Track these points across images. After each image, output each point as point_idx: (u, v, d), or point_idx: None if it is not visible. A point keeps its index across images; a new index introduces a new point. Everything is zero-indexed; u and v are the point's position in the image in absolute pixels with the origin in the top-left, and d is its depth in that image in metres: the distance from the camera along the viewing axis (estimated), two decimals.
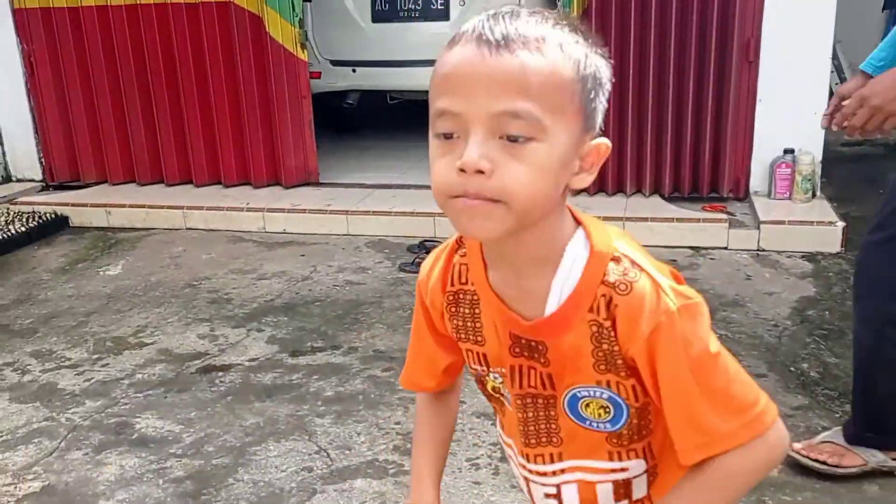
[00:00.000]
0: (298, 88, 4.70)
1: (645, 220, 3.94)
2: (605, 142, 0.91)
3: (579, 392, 0.95)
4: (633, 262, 0.88)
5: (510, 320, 0.94)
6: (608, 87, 0.90)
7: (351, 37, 5.55)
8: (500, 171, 0.80)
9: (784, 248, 3.75)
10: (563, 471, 1.02)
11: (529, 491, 1.09)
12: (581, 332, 0.90)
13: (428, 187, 3.86)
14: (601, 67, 0.88)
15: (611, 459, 0.98)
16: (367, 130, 6.38)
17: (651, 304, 0.85)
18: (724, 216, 3.92)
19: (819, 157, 4.04)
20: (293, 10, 4.56)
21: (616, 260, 0.88)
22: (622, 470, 0.99)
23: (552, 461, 1.02)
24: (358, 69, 5.60)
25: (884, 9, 6.49)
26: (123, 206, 4.67)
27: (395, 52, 5.41)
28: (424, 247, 3.94)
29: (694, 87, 4.08)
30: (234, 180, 4.91)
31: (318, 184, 4.88)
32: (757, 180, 4.14)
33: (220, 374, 2.87)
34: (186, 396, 2.71)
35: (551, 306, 0.91)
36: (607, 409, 0.94)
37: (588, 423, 0.96)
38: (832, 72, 6.02)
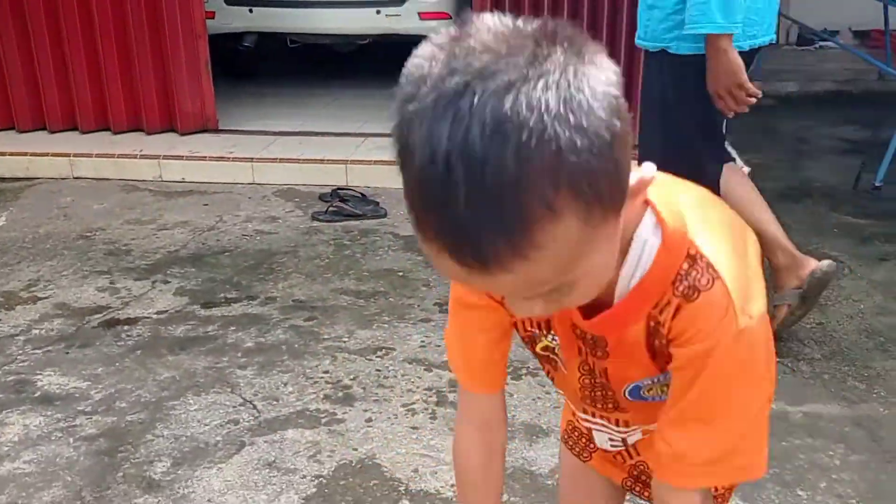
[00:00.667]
0: (193, 26, 4.39)
1: None
2: (645, 177, 0.70)
3: (639, 384, 0.90)
4: (708, 265, 0.77)
5: (567, 314, 0.85)
6: (626, 115, 0.62)
7: None
8: (558, 305, 0.69)
9: None
10: (627, 427, 0.99)
11: (589, 434, 1.05)
12: (639, 328, 0.82)
13: (336, 134, 3.72)
14: (614, 128, 0.59)
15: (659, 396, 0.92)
16: (265, 76, 6.07)
17: (715, 321, 0.77)
18: None
19: None
20: None
21: (691, 259, 0.77)
22: None
23: (618, 425, 0.99)
24: (255, 9, 5.29)
25: None
26: (3, 154, 4.26)
27: None
28: (338, 194, 3.78)
29: (607, 31, 4.07)
30: (125, 127, 4.57)
31: (216, 130, 4.61)
32: None
33: (126, 327, 2.66)
34: (90, 352, 2.50)
35: (618, 297, 0.80)
36: (660, 379, 0.88)
37: (652, 399, 0.91)
38: None
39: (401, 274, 3.03)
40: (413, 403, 2.20)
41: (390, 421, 2.12)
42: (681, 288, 0.78)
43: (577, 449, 1.13)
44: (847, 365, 2.37)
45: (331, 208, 3.67)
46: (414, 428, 2.09)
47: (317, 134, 4.51)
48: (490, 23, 0.61)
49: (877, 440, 2.03)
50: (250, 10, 5.30)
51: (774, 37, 2.37)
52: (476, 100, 0.56)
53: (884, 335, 2.55)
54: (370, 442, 2.04)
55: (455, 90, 0.57)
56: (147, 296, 2.90)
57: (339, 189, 3.83)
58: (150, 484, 1.89)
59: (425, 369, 2.37)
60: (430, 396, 2.23)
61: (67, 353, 2.49)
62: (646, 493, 1.08)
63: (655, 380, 0.88)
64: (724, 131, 2.38)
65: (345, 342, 2.54)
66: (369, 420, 2.13)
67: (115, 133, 4.54)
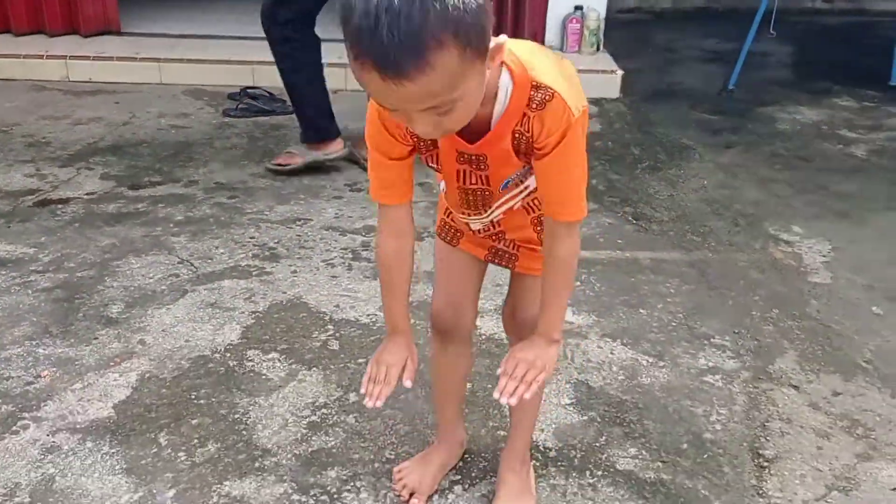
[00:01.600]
0: None
1: None
2: (499, 41, 1.08)
3: (509, 179, 1.32)
4: (546, 87, 1.16)
5: (457, 142, 1.25)
6: (485, 6, 1.00)
7: None
8: (444, 126, 1.09)
9: None
10: (490, 213, 1.41)
11: (469, 226, 1.47)
12: (507, 140, 1.22)
13: (241, 37, 4.08)
14: (473, 12, 0.97)
15: (517, 186, 1.34)
16: None
17: (562, 116, 1.17)
18: None
19: (603, 14, 4.55)
20: None
21: (535, 87, 1.16)
22: (525, 187, 1.35)
23: (485, 213, 1.41)
24: None
25: None
26: None
27: None
28: (246, 93, 4.01)
29: None
30: (25, 28, 4.59)
31: (119, 33, 4.70)
32: (551, 34, 4.61)
33: (60, 206, 2.89)
34: (31, 225, 2.73)
35: (493, 126, 1.20)
36: (520, 173, 1.31)
37: (514, 184, 1.34)
38: None
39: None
40: (332, 259, 2.58)
41: (313, 272, 2.49)
42: (534, 105, 1.19)
43: (448, 237, 1.53)
44: (688, 224, 2.90)
45: (241, 105, 3.91)
46: (333, 277, 2.47)
47: (221, 37, 4.67)
48: None
49: (704, 275, 2.56)
50: None
51: None
52: (393, 43, 0.93)
53: (719, 203, 3.09)
54: (297, 287, 2.40)
55: (378, 47, 0.94)
56: (74, 180, 3.11)
57: (247, 88, 4.06)
58: (108, 320, 2.20)
59: (340, 234, 2.74)
60: (346, 254, 2.61)
61: (9, 226, 2.72)
62: (501, 263, 1.50)
63: (518, 173, 1.30)
64: None
65: (266, 215, 2.87)
66: (294, 272, 2.49)
67: (18, 35, 4.55)
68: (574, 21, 4.49)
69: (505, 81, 1.18)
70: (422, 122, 1.07)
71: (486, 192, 1.35)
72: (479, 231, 1.47)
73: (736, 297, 2.44)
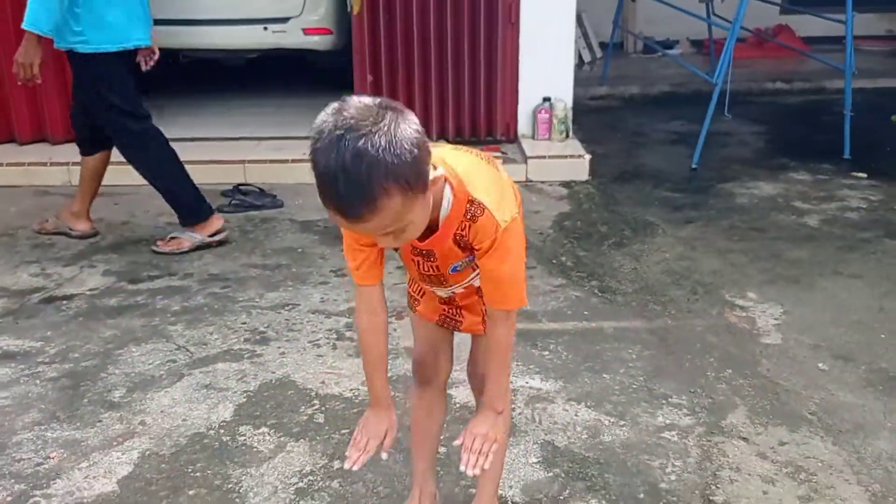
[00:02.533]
0: None
1: None
2: (438, 174, 1.35)
3: (456, 265, 1.57)
4: (479, 203, 1.42)
5: (409, 244, 1.51)
6: (425, 145, 1.27)
7: None
8: (401, 239, 1.36)
9: (546, 178, 4.56)
10: (450, 286, 1.66)
11: (436, 293, 1.71)
12: (451, 240, 1.48)
13: (232, 139, 4.45)
14: (414, 153, 1.23)
15: (468, 268, 1.59)
16: (159, 90, 6.44)
17: (490, 228, 1.43)
18: (499, 155, 4.66)
19: (570, 104, 4.89)
20: None
21: (470, 202, 1.42)
22: (472, 278, 1.61)
23: (445, 287, 1.66)
24: None
25: None
26: None
27: (187, 11, 5.57)
28: (239, 189, 4.29)
29: (469, 45, 4.76)
30: (29, 137, 4.89)
31: None
32: (523, 124, 4.94)
33: (65, 302, 3.10)
34: (37, 321, 2.93)
35: (440, 228, 1.47)
36: (467, 261, 1.56)
37: (462, 270, 1.59)
38: (578, 37, 7.07)
39: (300, 250, 3.59)
40: (318, 340, 2.77)
41: (300, 353, 2.69)
42: (468, 216, 1.45)
43: (410, 304, 1.78)
44: (650, 295, 3.12)
45: (233, 201, 4.17)
46: (319, 356, 2.67)
47: (213, 139, 4.99)
48: (355, 101, 1.26)
49: (664, 341, 2.76)
50: None
51: (148, 42, 3.64)
52: (347, 143, 1.20)
53: (679, 273, 3.32)
54: (285, 367, 2.59)
55: (337, 136, 1.21)
56: (78, 277, 3.33)
57: (240, 185, 4.34)
58: (111, 404, 2.38)
59: (326, 317, 2.95)
60: (332, 335, 2.81)
61: (17, 323, 2.92)
62: (449, 326, 1.75)
63: (463, 261, 1.56)
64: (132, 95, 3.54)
65: (257, 302, 3.08)
66: (283, 353, 2.69)
67: (22, 144, 4.86)
68: (543, 111, 4.83)
69: (447, 193, 1.44)
70: (383, 240, 1.37)
71: (440, 275, 1.61)
72: (443, 298, 1.69)
73: (692, 360, 2.63)
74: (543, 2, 4.72)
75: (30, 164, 4.58)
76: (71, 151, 4.74)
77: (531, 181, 4.56)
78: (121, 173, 4.52)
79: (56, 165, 4.58)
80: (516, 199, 1.53)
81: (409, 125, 1.25)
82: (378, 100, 1.26)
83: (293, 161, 4.56)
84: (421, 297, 1.75)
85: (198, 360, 2.65)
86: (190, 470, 2.08)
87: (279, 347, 2.72)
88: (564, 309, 3.00)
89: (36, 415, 2.33)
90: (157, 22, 5.70)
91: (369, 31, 4.76)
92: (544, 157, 4.63)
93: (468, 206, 1.42)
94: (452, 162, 1.45)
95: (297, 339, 2.78)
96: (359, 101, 1.25)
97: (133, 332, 2.83)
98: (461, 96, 4.87)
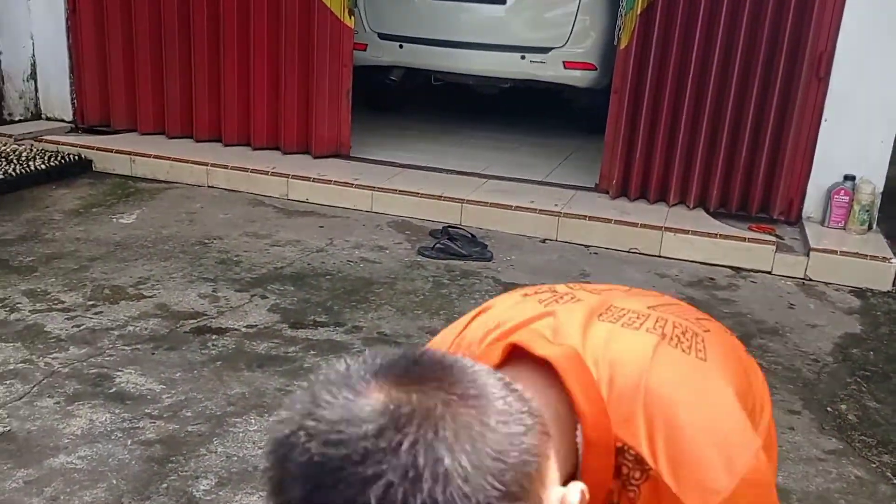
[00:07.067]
0: (341, 56, 4.52)
1: (685, 232, 3.70)
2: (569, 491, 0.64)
3: None
4: (636, 459, 0.71)
5: None
6: (544, 455, 0.59)
7: (402, 11, 5.36)
8: None
9: (832, 279, 3.49)
10: None
11: None
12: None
13: (459, 172, 3.62)
14: (524, 463, 0.56)
15: None
16: (407, 110, 6.18)
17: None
18: (772, 238, 3.66)
19: (881, 187, 3.76)
20: None
21: (620, 452, 0.72)
22: None
23: None
24: (405, 45, 5.40)
25: None
26: (148, 156, 4.54)
27: (445, 32, 5.21)
28: (447, 232, 3.74)
29: (757, 97, 3.82)
30: (264, 143, 4.75)
31: (348, 157, 4.70)
32: (812, 205, 3.88)
33: (215, 336, 2.70)
34: (174, 355, 2.55)
35: None
36: None
37: None
38: None
39: None
40: None
41: None
42: (620, 481, 0.72)
43: None
44: None
45: (438, 245, 3.62)
46: None
47: (440, 170, 4.51)
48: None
49: None
50: (400, 46, 5.41)
51: None
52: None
53: None
54: None
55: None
56: (243, 308, 2.94)
57: (450, 227, 3.79)
58: (189, 501, 1.87)
59: None
60: None
61: (153, 353, 2.56)
62: None
63: None
64: None
65: None
66: None
67: (255, 149, 4.72)
68: (842, 192, 3.74)
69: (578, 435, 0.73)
70: None
71: None
72: None
73: None
74: (865, 54, 3.65)
75: (252, 171, 4.40)
76: (297, 163, 4.53)
77: (811, 280, 3.52)
78: (338, 195, 4.21)
79: (276, 176, 4.35)
80: (758, 412, 0.78)
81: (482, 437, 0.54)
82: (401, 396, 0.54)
83: (516, 208, 3.93)
84: None
85: None
86: None
87: None
88: (835, 494, 2.03)
89: (100, 494, 1.87)
90: (414, 40, 5.48)
91: (635, 68, 3.99)
92: (835, 252, 3.55)
93: (619, 459, 0.71)
94: (591, 341, 0.73)
95: None
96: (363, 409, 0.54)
97: (262, 396, 2.34)
98: (736, 157, 3.92)
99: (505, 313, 0.80)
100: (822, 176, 3.82)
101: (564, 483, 0.67)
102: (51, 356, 2.49)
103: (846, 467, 2.16)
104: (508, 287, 3.23)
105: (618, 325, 0.76)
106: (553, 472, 0.61)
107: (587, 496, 0.64)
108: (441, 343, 0.83)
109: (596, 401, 0.70)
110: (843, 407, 2.48)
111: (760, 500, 0.72)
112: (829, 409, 2.46)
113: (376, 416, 0.52)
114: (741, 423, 0.73)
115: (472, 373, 0.57)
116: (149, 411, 2.22)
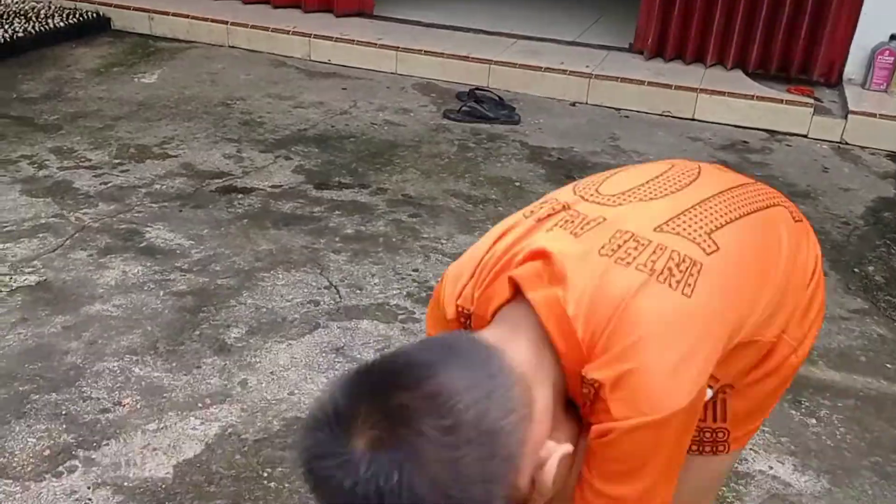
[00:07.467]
0: None
1: (721, 94, 3.58)
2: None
3: None
4: (591, 383, 0.80)
5: None
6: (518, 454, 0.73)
7: None
8: None
9: (869, 143, 3.39)
10: None
11: None
12: None
13: (488, 32, 3.43)
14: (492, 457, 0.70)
15: None
16: None
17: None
18: (810, 100, 3.53)
19: None
20: None
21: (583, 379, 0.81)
22: None
23: None
24: None
25: None
26: (167, 13, 4.42)
27: None
28: (474, 95, 3.64)
29: None
30: (284, 1, 4.59)
31: (371, 15, 4.55)
32: (853, 66, 3.71)
33: (240, 195, 2.71)
34: (202, 213, 2.57)
35: None
36: None
37: None
38: None
39: (518, 184, 2.90)
40: None
41: None
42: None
43: None
44: None
45: (464, 108, 3.54)
46: None
47: (468, 30, 4.35)
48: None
49: None
50: None
51: None
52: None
53: None
54: None
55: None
56: (267, 168, 2.94)
57: (476, 89, 3.69)
58: (221, 347, 1.93)
59: None
60: None
61: (181, 210, 2.58)
62: None
63: None
64: None
65: (442, 244, 2.47)
66: None
67: (275, 7, 4.58)
68: (887, 53, 3.57)
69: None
70: None
71: None
72: None
73: None
74: None
75: (273, 29, 4.27)
76: (319, 22, 4.39)
77: (847, 144, 3.42)
78: (361, 55, 4.10)
79: (298, 35, 4.22)
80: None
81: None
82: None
83: (546, 69, 3.81)
84: None
85: (343, 308, 2.11)
86: (266, 474, 1.56)
87: None
88: (857, 351, 2.05)
89: (136, 339, 1.94)
90: None
91: None
92: (874, 115, 3.42)
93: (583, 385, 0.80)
94: (571, 280, 0.80)
95: None
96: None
97: (289, 253, 2.36)
98: (779, 13, 3.72)
99: (519, 242, 0.86)
100: (867, 36, 3.63)
101: (564, 406, 0.80)
102: (81, 211, 2.52)
103: (869, 326, 2.17)
104: (536, 152, 3.18)
105: (612, 261, 0.80)
106: (537, 436, 0.74)
107: (571, 449, 0.77)
108: (469, 261, 0.89)
109: (570, 336, 0.78)
110: (871, 269, 2.46)
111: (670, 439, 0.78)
112: (855, 269, 2.44)
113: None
114: (694, 370, 0.78)
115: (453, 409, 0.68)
116: (179, 265, 2.26)
